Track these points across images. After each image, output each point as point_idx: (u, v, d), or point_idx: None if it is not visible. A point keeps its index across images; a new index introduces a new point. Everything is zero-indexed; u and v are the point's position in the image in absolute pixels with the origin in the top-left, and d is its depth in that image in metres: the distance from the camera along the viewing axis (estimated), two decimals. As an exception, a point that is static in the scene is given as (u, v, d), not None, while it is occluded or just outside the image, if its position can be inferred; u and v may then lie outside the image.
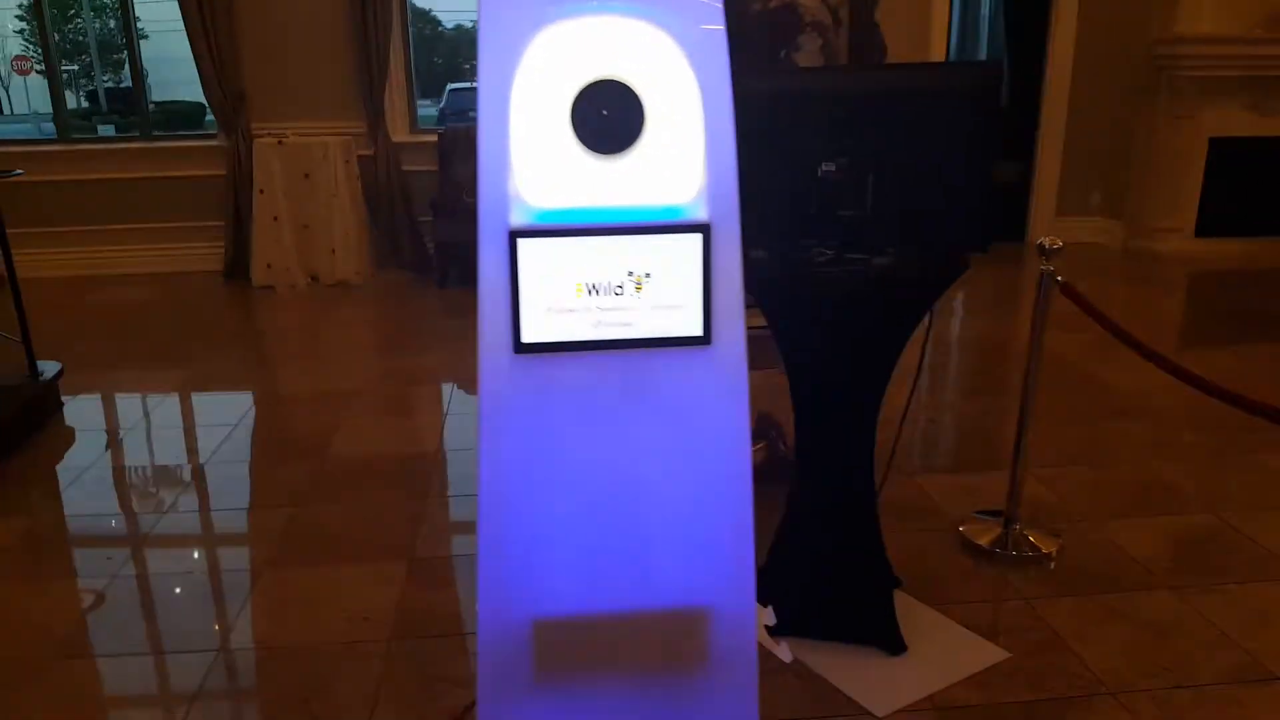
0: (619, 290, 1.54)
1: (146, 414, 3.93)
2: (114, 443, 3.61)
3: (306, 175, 6.07)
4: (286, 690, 2.13)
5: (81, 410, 3.93)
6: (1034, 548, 2.67)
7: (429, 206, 6.21)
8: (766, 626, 1.82)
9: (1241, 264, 6.38)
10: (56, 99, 6.63)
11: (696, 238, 1.53)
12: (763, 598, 2.23)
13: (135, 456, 3.49)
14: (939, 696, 2.08)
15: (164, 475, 3.33)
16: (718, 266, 1.54)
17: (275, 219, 6.07)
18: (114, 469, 3.37)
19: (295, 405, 4.09)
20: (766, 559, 2.30)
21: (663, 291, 1.54)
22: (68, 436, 3.67)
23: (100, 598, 2.50)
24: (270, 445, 3.64)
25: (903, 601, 2.40)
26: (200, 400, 4.12)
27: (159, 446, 3.60)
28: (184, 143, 6.80)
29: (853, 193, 1.99)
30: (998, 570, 2.60)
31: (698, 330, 1.56)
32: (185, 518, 2.99)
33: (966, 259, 1.98)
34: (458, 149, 6.09)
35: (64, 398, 3.89)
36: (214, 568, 2.74)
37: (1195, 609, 2.39)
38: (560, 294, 1.53)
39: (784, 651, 1.78)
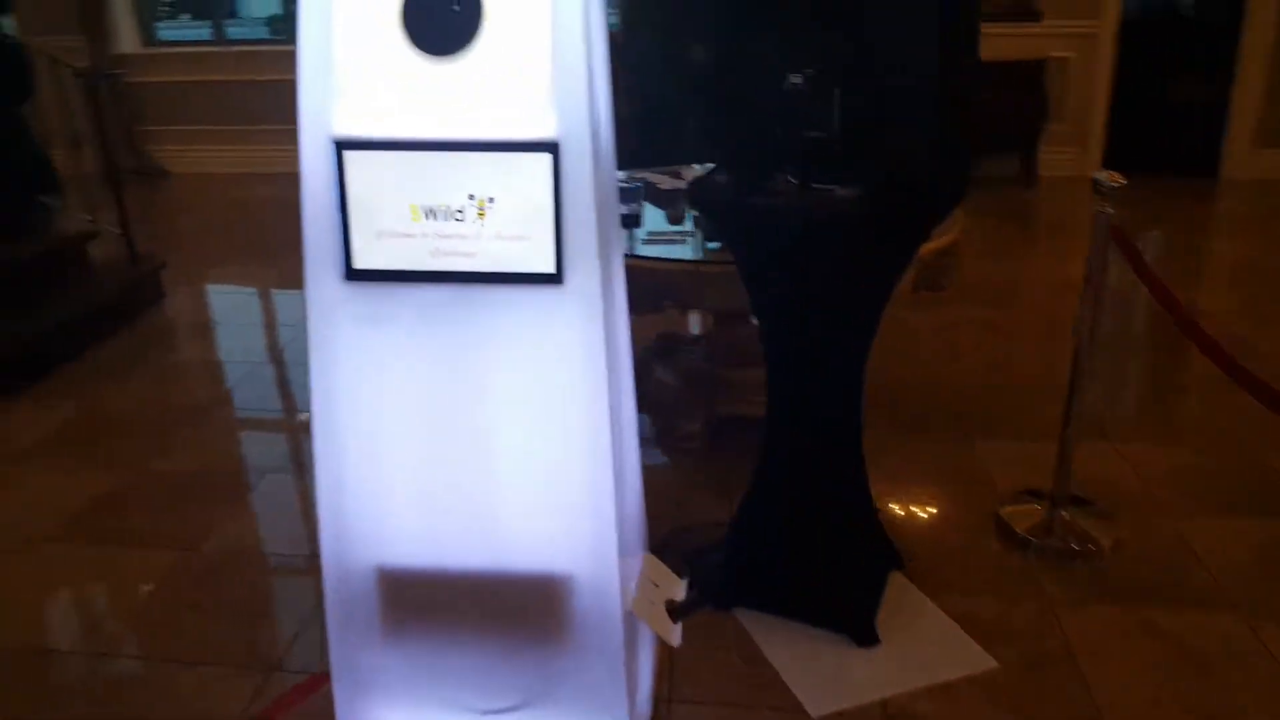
0: (459, 215, 1.34)
1: (233, 310, 4.14)
2: (193, 335, 3.81)
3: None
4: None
5: (180, 301, 4.16)
6: (1082, 539, 2.26)
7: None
8: (672, 601, 1.62)
9: None
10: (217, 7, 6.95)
11: (544, 158, 1.30)
12: (717, 561, 2.03)
13: (210, 349, 3.67)
14: (894, 702, 1.81)
15: (223, 372, 3.46)
16: (570, 192, 1.31)
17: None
18: (179, 363, 3.56)
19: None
20: (733, 517, 2.08)
21: (508, 219, 1.33)
22: (160, 326, 3.91)
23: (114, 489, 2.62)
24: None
25: (898, 586, 2.11)
26: (281, 299, 4.29)
27: (233, 341, 3.76)
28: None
29: (822, 111, 1.67)
30: (1028, 562, 2.23)
31: (549, 266, 1.34)
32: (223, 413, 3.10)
33: (949, 198, 1.63)
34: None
35: (168, 288, 4.13)
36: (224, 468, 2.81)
37: (1263, 643, 1.95)
38: (394, 217, 1.35)
39: (675, 634, 1.58)
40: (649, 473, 1.75)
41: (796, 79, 1.65)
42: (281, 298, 4.28)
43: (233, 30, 7.10)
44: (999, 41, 5.47)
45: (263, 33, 7.51)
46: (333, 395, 1.42)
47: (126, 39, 6.66)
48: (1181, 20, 6.15)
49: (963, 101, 1.54)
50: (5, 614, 2.12)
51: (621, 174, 3.08)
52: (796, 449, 1.96)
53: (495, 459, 1.43)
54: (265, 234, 5.34)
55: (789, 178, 1.72)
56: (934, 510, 2.47)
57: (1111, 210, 2.02)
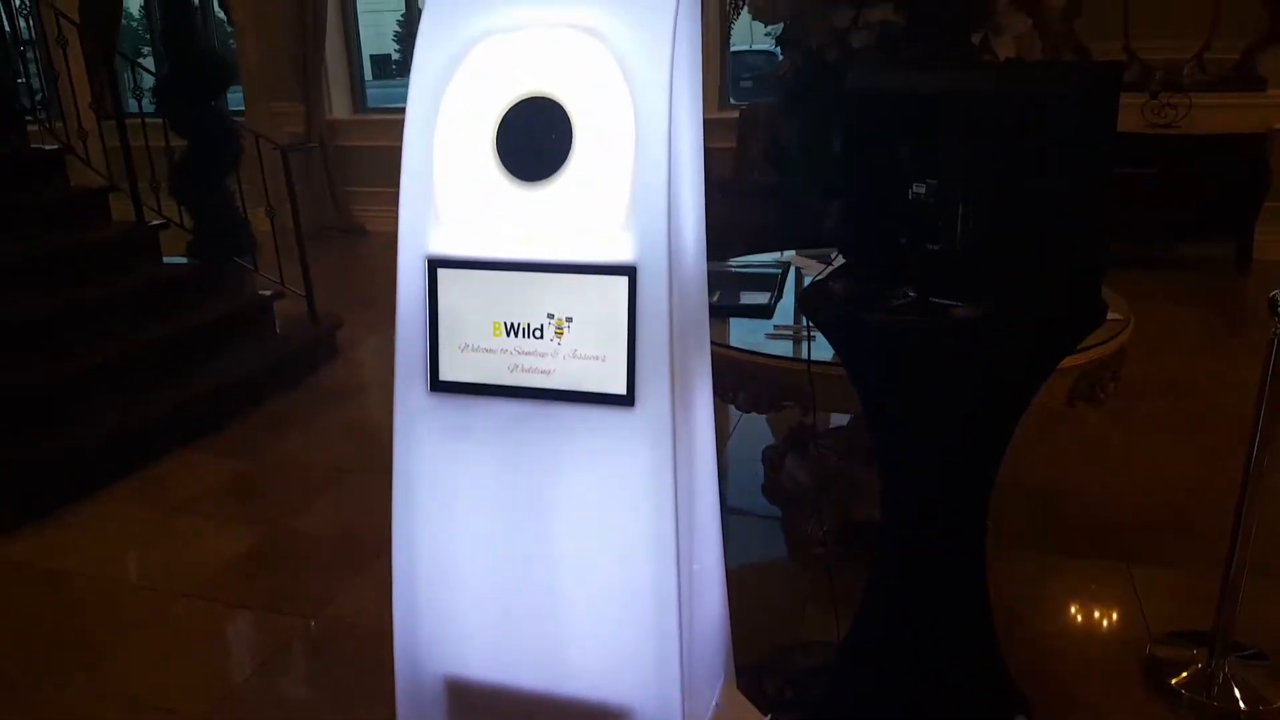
0: (538, 333, 1.36)
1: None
2: (358, 395, 4.05)
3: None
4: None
5: (357, 361, 4.44)
6: (1252, 700, 1.99)
7: (715, 187, 6.10)
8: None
9: None
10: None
11: (621, 281, 1.30)
12: (819, 691, 1.89)
13: (373, 412, 3.87)
14: None
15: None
16: (645, 316, 1.30)
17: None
18: (349, 421, 3.79)
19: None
20: (842, 640, 1.97)
21: (584, 339, 1.34)
22: (331, 384, 4.18)
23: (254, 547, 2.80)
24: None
25: (1019, 734, 1.93)
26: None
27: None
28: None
29: (946, 221, 1.58)
30: None
31: (620, 388, 1.33)
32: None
33: (1080, 328, 1.49)
34: (755, 129, 5.91)
35: (344, 347, 4.43)
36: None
37: None
38: (478, 332, 1.39)
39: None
40: (766, 577, 1.68)
41: (920, 188, 1.58)
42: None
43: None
44: (1218, 114, 5.06)
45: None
46: (412, 502, 1.46)
47: (339, 104, 7.29)
48: None
49: (1099, 227, 1.41)
50: (134, 671, 2.27)
51: (768, 257, 3.04)
52: (909, 570, 1.84)
53: (561, 578, 1.42)
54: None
55: (908, 291, 1.64)
56: (1072, 647, 2.24)
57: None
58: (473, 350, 1.39)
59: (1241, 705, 1.99)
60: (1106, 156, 1.44)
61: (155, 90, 4.18)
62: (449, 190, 1.36)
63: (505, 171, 1.33)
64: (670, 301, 1.29)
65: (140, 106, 4.30)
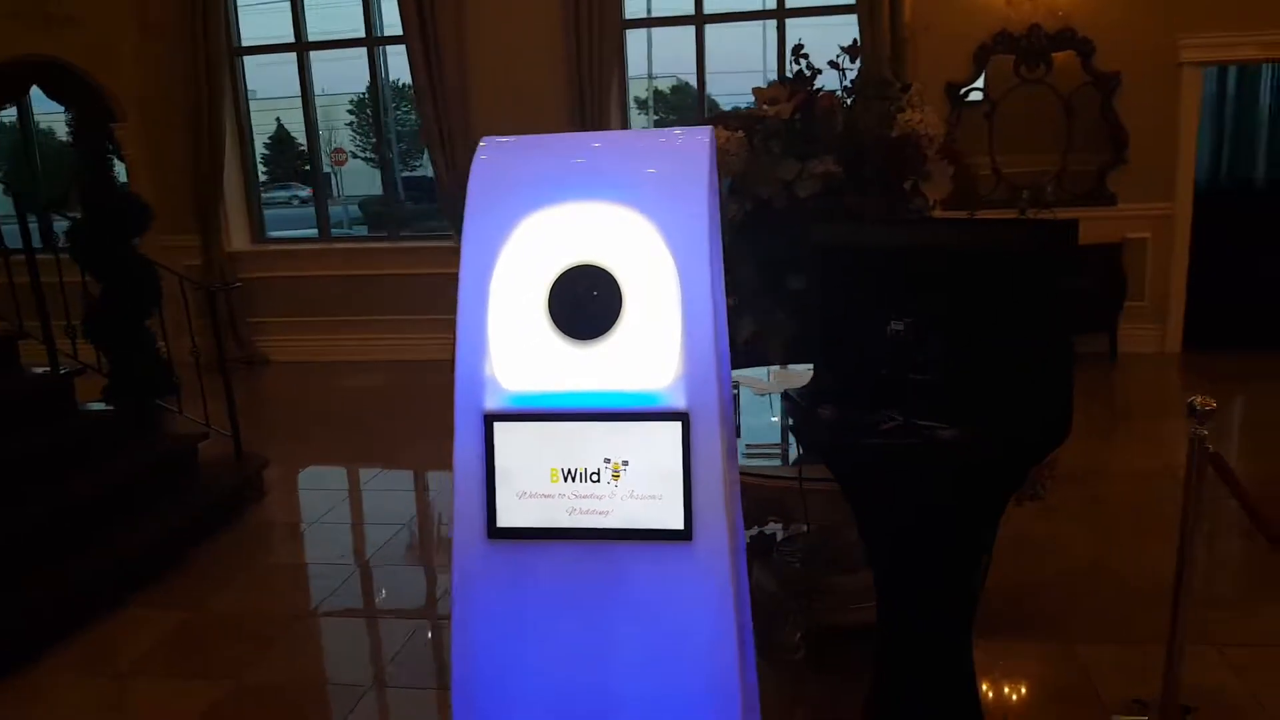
0: (595, 477, 1.46)
1: (338, 504, 4.30)
2: (293, 536, 3.96)
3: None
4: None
5: (283, 500, 4.35)
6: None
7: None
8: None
9: None
10: (320, 209, 7.51)
11: (675, 425, 1.42)
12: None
13: (306, 552, 3.79)
14: None
15: (319, 577, 3.57)
16: (699, 456, 1.42)
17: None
18: (283, 564, 3.70)
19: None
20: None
21: (641, 480, 1.45)
22: (260, 526, 4.06)
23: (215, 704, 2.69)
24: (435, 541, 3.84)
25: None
26: (383, 494, 4.44)
27: (326, 543, 3.89)
28: (427, 243, 7.44)
29: (924, 354, 1.78)
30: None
31: (678, 524, 1.44)
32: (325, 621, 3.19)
33: (1052, 442, 1.70)
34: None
35: (271, 485, 4.33)
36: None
37: None
38: (535, 479, 1.48)
39: None
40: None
41: (899, 325, 1.78)
42: (372, 495, 4.44)
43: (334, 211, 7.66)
44: (1081, 226, 5.67)
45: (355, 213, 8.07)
46: (471, 645, 1.51)
47: (237, 237, 7.23)
48: (1256, 193, 6.26)
49: (1064, 350, 1.63)
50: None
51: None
52: (906, 664, 1.97)
53: (622, 713, 1.48)
54: (360, 423, 5.61)
55: (893, 415, 1.82)
56: (1042, 724, 2.42)
57: (1206, 432, 2.06)
58: (530, 496, 1.47)
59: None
60: (1068, 295, 1.67)
61: (69, 233, 4.11)
62: (503, 349, 1.47)
63: (558, 331, 1.45)
64: (721, 440, 1.42)
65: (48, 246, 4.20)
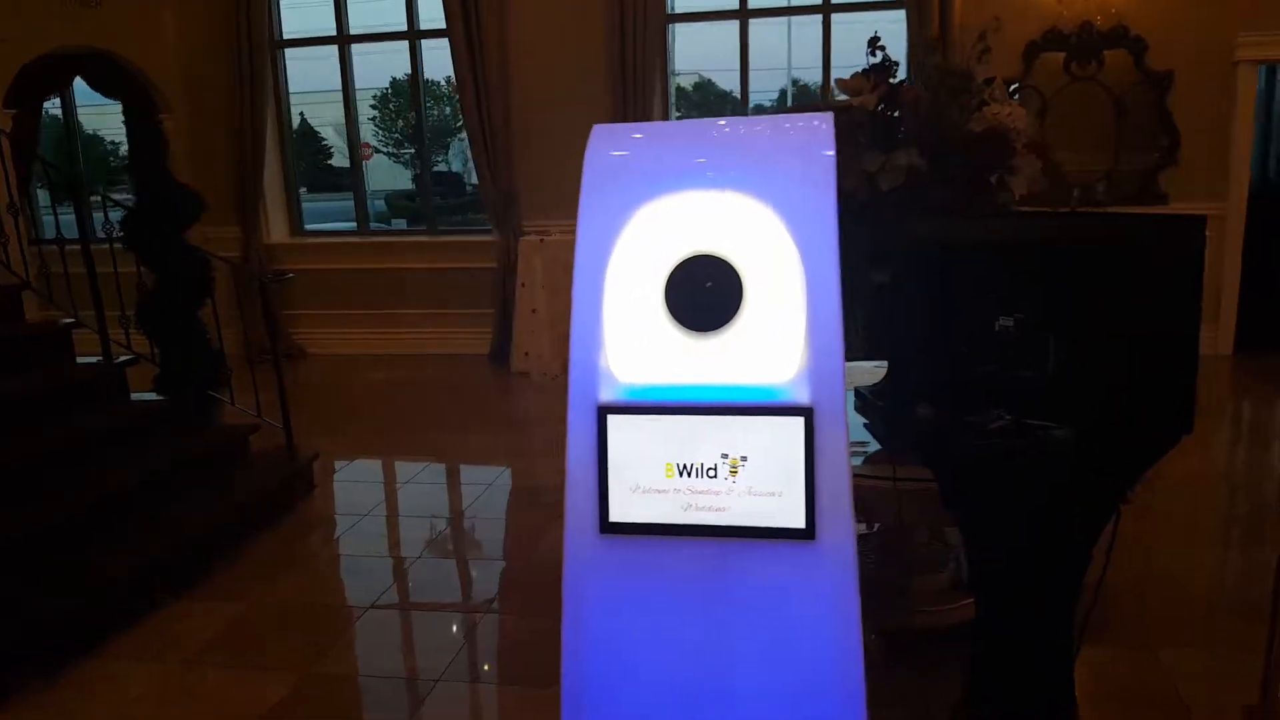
0: (712, 473, 1.43)
1: (385, 497, 4.29)
2: (345, 528, 3.95)
3: (568, 270, 6.40)
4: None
5: (330, 492, 4.35)
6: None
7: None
8: None
9: None
10: (359, 202, 7.52)
11: (798, 421, 1.38)
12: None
13: (360, 545, 3.78)
14: None
15: (374, 567, 3.57)
16: (822, 452, 1.38)
17: (534, 311, 6.46)
18: (338, 556, 3.69)
19: (521, 496, 4.26)
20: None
21: (760, 477, 1.41)
22: (311, 519, 4.07)
23: (288, 697, 2.68)
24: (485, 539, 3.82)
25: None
26: (428, 487, 4.43)
27: (378, 537, 3.88)
28: (463, 238, 7.45)
29: (1035, 353, 1.73)
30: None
31: (799, 522, 1.40)
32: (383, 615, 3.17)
33: (1170, 438, 1.65)
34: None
35: (318, 478, 4.33)
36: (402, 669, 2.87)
37: None
38: (650, 474, 1.44)
39: None
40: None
41: (1007, 321, 1.73)
42: (414, 489, 4.43)
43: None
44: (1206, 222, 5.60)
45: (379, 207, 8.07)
46: (582, 643, 1.48)
47: (276, 229, 7.25)
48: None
49: (1191, 344, 1.58)
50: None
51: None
52: (1006, 668, 1.93)
53: (737, 712, 1.45)
54: (400, 416, 5.61)
55: (1001, 414, 1.77)
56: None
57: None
58: (644, 492, 1.44)
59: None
60: (1197, 290, 1.62)
61: (124, 222, 4.11)
62: (618, 341, 1.44)
63: (676, 323, 1.42)
64: (846, 437, 1.38)
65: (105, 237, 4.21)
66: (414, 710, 2.58)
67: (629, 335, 1.43)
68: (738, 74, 6.75)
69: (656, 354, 1.43)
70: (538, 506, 4.08)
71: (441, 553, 3.66)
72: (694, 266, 1.41)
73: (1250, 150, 5.75)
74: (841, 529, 1.39)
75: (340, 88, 7.13)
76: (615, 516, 1.45)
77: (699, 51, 7.60)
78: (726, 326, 1.40)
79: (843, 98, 2.53)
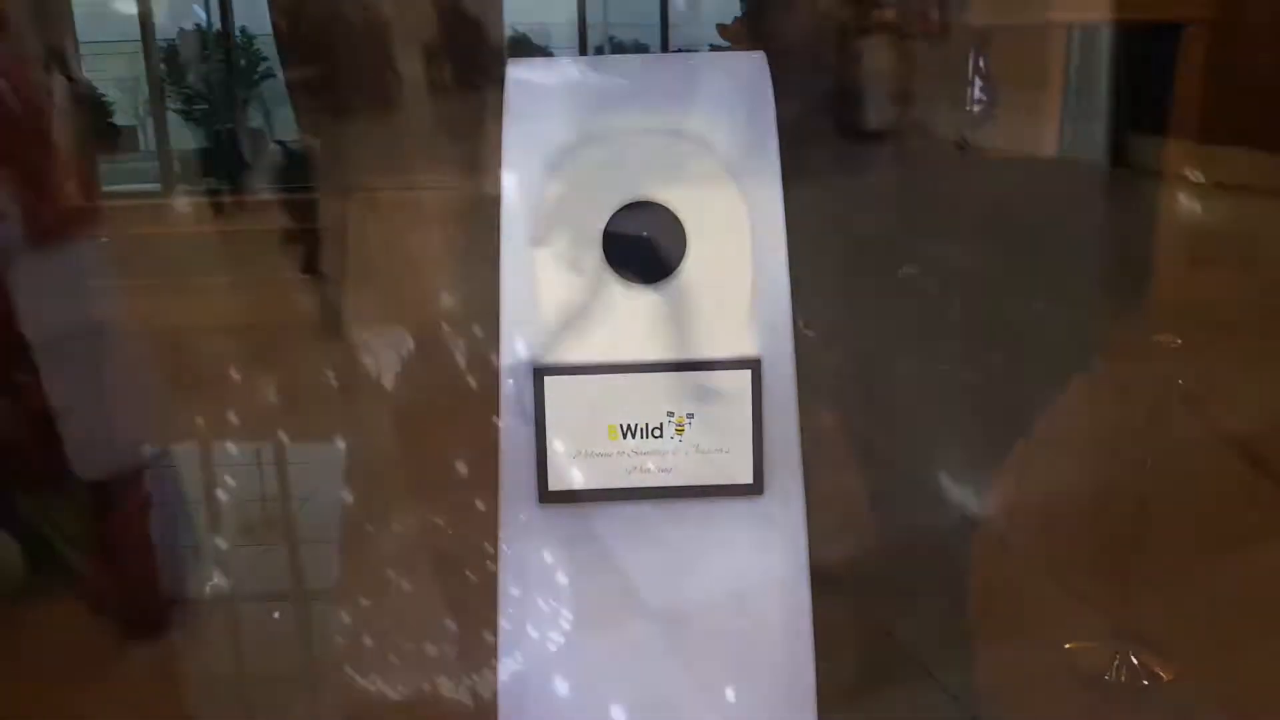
0: (657, 432, 1.36)
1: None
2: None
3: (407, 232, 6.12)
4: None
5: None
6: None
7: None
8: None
9: None
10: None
11: (744, 374, 1.34)
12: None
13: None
14: None
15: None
16: (770, 405, 1.35)
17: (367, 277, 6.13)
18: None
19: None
20: None
21: (707, 433, 1.36)
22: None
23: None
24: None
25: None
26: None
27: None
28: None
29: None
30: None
31: (747, 478, 1.36)
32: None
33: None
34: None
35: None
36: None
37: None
38: (591, 437, 1.36)
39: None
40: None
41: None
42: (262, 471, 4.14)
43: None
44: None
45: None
46: (524, 619, 1.39)
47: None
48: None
49: None
50: None
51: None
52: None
53: (689, 672, 1.41)
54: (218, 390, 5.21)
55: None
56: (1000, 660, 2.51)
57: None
58: (586, 456, 1.36)
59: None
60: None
61: None
62: (553, 297, 1.34)
63: (615, 275, 1.33)
64: (795, 388, 1.35)
65: None
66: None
67: (564, 292, 1.34)
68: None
69: (595, 311, 1.34)
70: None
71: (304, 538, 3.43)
72: (631, 215, 1.33)
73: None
74: (790, 482, 1.36)
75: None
76: (555, 485, 1.36)
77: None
78: (670, 278, 1.33)
79: None
